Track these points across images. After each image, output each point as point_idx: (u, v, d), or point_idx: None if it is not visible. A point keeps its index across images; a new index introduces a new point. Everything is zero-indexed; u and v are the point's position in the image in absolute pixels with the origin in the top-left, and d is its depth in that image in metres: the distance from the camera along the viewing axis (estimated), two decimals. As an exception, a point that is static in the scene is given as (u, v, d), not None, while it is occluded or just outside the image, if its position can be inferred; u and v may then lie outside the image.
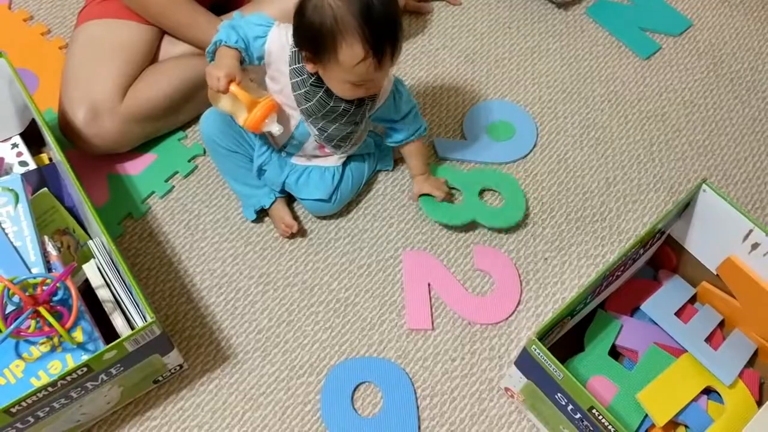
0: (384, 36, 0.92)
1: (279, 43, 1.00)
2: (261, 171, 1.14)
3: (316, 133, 1.07)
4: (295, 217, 1.18)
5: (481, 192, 1.21)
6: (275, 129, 1.01)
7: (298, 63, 1.00)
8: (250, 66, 1.02)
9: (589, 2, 1.52)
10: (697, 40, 1.47)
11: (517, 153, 1.28)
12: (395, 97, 1.08)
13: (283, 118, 1.05)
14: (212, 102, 1.03)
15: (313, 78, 1.00)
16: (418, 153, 1.17)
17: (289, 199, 1.19)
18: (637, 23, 1.48)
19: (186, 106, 1.23)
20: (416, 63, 1.39)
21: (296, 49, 0.99)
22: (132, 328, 0.94)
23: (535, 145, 1.29)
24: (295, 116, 1.06)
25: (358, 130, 1.10)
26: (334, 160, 1.14)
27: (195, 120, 1.26)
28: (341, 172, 1.15)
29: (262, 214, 1.18)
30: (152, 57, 1.22)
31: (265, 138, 1.11)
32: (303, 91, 1.01)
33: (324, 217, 1.19)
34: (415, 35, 1.43)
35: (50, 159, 1.17)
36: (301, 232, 1.17)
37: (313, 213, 1.18)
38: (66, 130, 1.16)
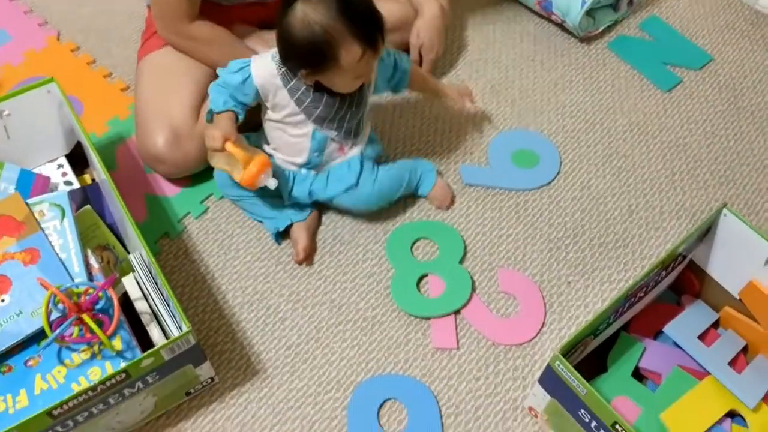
0: (372, 26, 0.99)
1: (265, 71, 1.06)
2: (291, 196, 1.19)
3: (335, 133, 1.11)
4: (314, 248, 1.21)
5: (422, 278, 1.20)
6: (271, 183, 1.07)
7: (292, 80, 1.05)
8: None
9: (611, 37, 1.56)
10: (718, 74, 1.51)
11: (541, 180, 1.32)
12: (380, 63, 1.12)
13: (277, 173, 1.11)
14: (210, 161, 1.11)
15: (312, 87, 1.06)
16: (423, 76, 1.25)
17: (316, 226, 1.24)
18: (658, 57, 1.52)
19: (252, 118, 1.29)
20: (443, 93, 1.44)
21: (284, 69, 1.05)
22: (167, 338, 0.97)
23: (558, 173, 1.32)
24: (308, 130, 1.11)
25: (366, 109, 1.15)
26: (354, 153, 1.17)
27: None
28: (360, 160, 1.17)
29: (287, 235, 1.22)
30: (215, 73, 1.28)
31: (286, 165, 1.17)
32: (308, 101, 1.07)
33: (362, 224, 1.24)
34: (443, 67, 1.49)
35: (93, 179, 1.22)
36: (316, 258, 1.21)
37: (356, 209, 1.22)
38: (148, 158, 1.22)
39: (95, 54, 1.48)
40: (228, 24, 1.26)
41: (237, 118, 1.07)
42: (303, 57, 1.01)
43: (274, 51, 1.06)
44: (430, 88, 1.28)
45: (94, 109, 1.37)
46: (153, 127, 1.20)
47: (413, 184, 1.25)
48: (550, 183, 1.31)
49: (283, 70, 1.05)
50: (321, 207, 1.25)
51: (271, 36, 1.32)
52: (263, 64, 1.06)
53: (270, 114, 1.11)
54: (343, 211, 1.26)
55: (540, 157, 1.34)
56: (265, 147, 1.16)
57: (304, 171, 1.16)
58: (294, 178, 1.17)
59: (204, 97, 1.23)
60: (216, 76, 1.26)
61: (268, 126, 1.14)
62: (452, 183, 1.31)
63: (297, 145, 1.13)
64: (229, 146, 1.04)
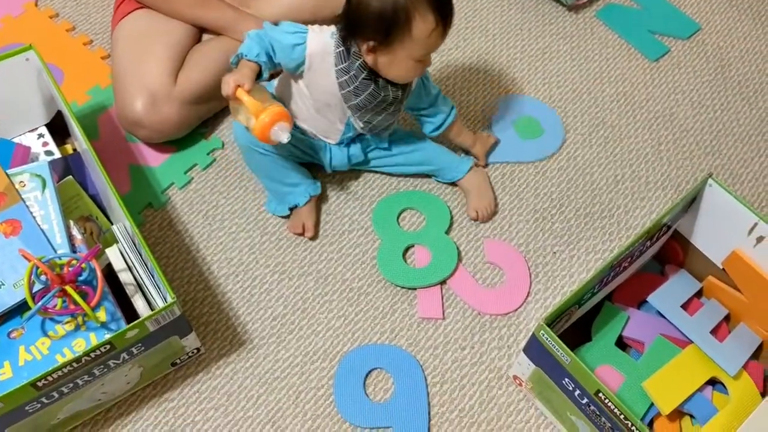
0: (448, 1, 0.98)
1: (320, 45, 1.03)
2: (332, 165, 1.19)
3: (362, 125, 1.11)
4: (318, 222, 1.21)
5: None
6: (284, 138, 1.01)
7: (345, 61, 1.02)
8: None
9: (599, 5, 1.55)
10: (705, 44, 1.50)
11: (547, 151, 1.32)
12: (423, 81, 1.12)
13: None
14: (233, 116, 1.05)
15: (365, 73, 1.03)
16: (462, 128, 1.24)
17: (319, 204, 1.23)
18: (646, 26, 1.51)
19: None
20: (429, 62, 1.42)
21: (342, 48, 1.01)
22: (152, 310, 0.97)
23: (564, 142, 1.33)
24: (344, 116, 1.10)
25: (397, 118, 1.14)
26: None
27: (215, 114, 1.30)
28: None
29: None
30: (196, 36, 1.26)
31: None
32: (352, 87, 1.04)
33: (348, 194, 1.25)
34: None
35: (74, 149, 1.21)
36: (317, 232, 1.20)
37: (393, 171, 1.25)
38: (127, 123, 1.20)
39: (75, 21, 1.45)
40: None
41: (261, 73, 1.03)
42: (374, 25, 0.97)
43: (334, 29, 1.03)
44: (463, 140, 1.25)
45: (74, 78, 1.35)
46: (131, 91, 1.18)
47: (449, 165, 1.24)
48: (556, 153, 1.32)
49: (340, 49, 1.02)
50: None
51: (253, 0, 1.29)
52: (321, 38, 1.03)
53: (302, 91, 1.08)
54: (329, 181, 1.25)
55: (543, 127, 1.34)
56: (297, 121, 1.14)
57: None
58: (331, 150, 1.17)
59: (182, 58, 1.22)
60: (194, 35, 1.23)
61: (299, 106, 1.11)
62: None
63: (330, 127, 1.13)
64: (240, 93, 0.98)
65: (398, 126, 1.24)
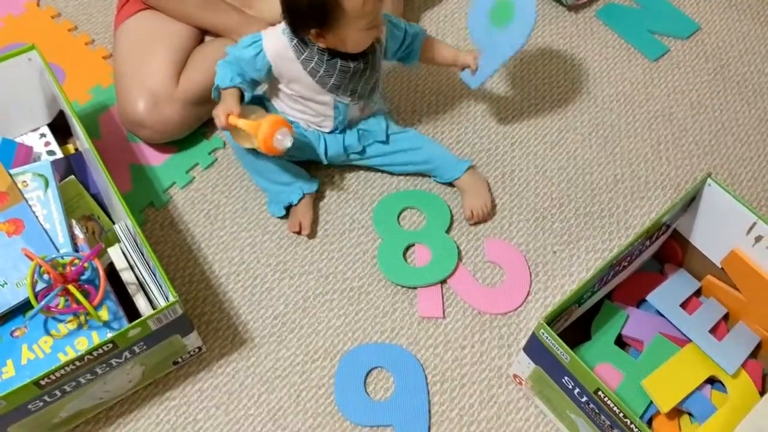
0: None
1: (277, 45, 1.05)
2: (328, 156, 1.19)
3: (349, 99, 1.11)
4: (316, 219, 1.21)
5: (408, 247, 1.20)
6: (288, 142, 1.04)
7: (304, 51, 1.05)
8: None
9: (598, 5, 1.55)
10: (705, 43, 1.50)
11: (522, 34, 1.14)
12: (390, 21, 1.12)
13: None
14: (236, 141, 1.09)
15: (326, 54, 1.05)
16: (440, 45, 1.19)
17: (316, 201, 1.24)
18: (645, 26, 1.52)
19: None
20: (430, 62, 1.43)
21: (295, 40, 1.04)
22: (154, 308, 0.97)
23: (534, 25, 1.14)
24: (329, 100, 1.11)
25: (380, 74, 1.15)
26: (375, 109, 1.20)
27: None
28: (384, 117, 1.21)
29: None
30: (198, 38, 1.27)
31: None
32: (322, 71, 1.06)
33: (349, 193, 1.25)
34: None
35: (76, 149, 1.21)
36: (314, 230, 1.21)
37: (387, 166, 1.25)
38: (129, 123, 1.21)
39: (76, 20, 1.45)
40: None
41: (243, 96, 1.06)
42: (308, 14, 0.99)
43: (284, 24, 1.05)
44: (443, 57, 1.19)
45: (76, 77, 1.35)
46: (132, 91, 1.18)
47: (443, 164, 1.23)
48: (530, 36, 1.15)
49: (294, 41, 1.04)
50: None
51: (255, 0, 1.31)
52: (274, 38, 1.05)
53: (284, 89, 1.11)
54: (330, 180, 1.26)
55: (514, 5, 1.15)
56: (287, 117, 1.15)
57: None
58: (325, 139, 1.17)
59: (184, 60, 1.22)
60: (196, 37, 1.25)
61: (286, 102, 1.14)
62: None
63: (321, 114, 1.14)
64: (233, 120, 1.03)
65: (396, 123, 1.25)
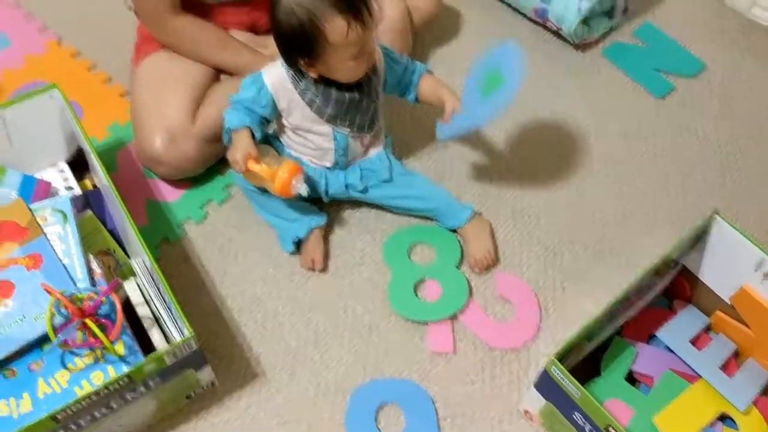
0: None
1: (276, 77, 1.08)
2: (329, 194, 1.21)
3: (348, 130, 1.13)
4: (327, 253, 1.23)
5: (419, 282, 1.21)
6: (303, 190, 1.08)
7: (301, 81, 1.07)
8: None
9: (605, 44, 1.58)
10: (710, 82, 1.53)
11: (494, 111, 1.12)
12: (389, 56, 1.14)
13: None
14: (250, 181, 1.13)
15: (321, 84, 1.07)
16: (439, 83, 1.18)
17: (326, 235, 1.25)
18: (651, 64, 1.54)
19: None
20: (439, 100, 1.46)
21: (292, 70, 1.07)
22: (169, 343, 0.98)
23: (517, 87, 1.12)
24: (328, 131, 1.13)
25: (378, 105, 1.16)
26: (378, 148, 1.21)
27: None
28: (386, 155, 1.21)
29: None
30: (215, 76, 1.29)
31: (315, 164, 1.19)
32: (318, 100, 1.08)
33: (360, 227, 1.26)
34: (439, 74, 1.49)
35: (93, 185, 1.24)
36: (326, 264, 1.22)
37: (390, 205, 1.25)
38: (145, 160, 1.24)
39: (95, 58, 1.49)
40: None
41: (254, 135, 1.08)
42: (295, 45, 1.02)
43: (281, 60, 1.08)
44: (436, 96, 1.18)
45: (94, 114, 1.39)
46: (150, 128, 1.21)
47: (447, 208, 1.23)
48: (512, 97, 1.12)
49: (291, 72, 1.07)
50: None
51: (267, 39, 1.34)
52: (274, 71, 1.08)
53: (286, 122, 1.13)
54: (340, 214, 1.28)
55: (503, 73, 1.13)
56: (292, 152, 1.18)
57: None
58: (326, 177, 1.19)
59: (200, 97, 1.25)
60: (212, 75, 1.26)
61: (289, 136, 1.16)
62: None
63: (321, 147, 1.15)
64: (251, 165, 1.05)
65: (401, 162, 1.26)
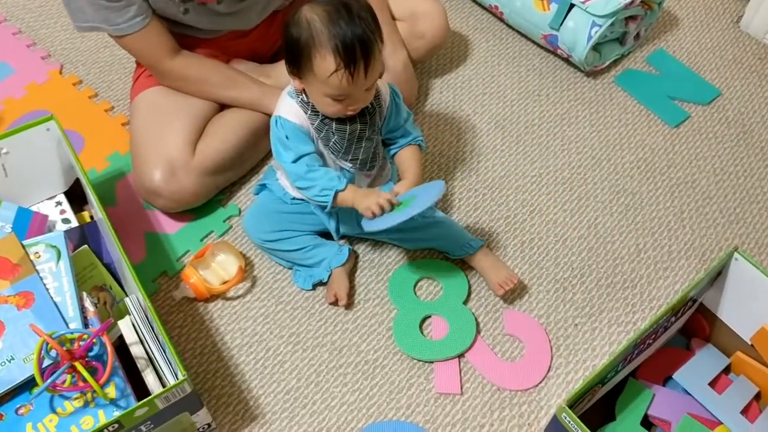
0: (355, 51, 0.96)
1: (291, 108, 1.06)
2: (338, 233, 1.18)
3: (350, 165, 1.10)
4: (353, 287, 1.19)
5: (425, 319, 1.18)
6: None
7: (308, 106, 1.05)
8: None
9: (617, 71, 1.55)
10: (726, 109, 1.49)
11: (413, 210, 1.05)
12: (395, 100, 1.12)
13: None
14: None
15: (319, 113, 1.05)
16: (418, 158, 1.15)
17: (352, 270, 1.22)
18: (665, 92, 1.51)
19: (251, 154, 1.29)
20: (447, 128, 1.42)
21: (300, 97, 1.05)
22: (163, 385, 0.95)
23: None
24: (335, 164, 1.11)
25: (380, 140, 1.14)
26: (385, 186, 1.18)
27: (232, 183, 1.30)
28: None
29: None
30: (215, 108, 1.27)
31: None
32: (324, 130, 1.06)
33: (364, 262, 1.23)
34: (446, 101, 1.47)
35: (91, 217, 1.21)
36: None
37: (399, 242, 1.23)
38: (145, 193, 1.21)
39: (97, 88, 1.47)
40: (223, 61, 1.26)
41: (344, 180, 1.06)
42: (289, 51, 1.00)
43: (289, 87, 1.06)
44: (402, 174, 1.16)
45: (94, 144, 1.36)
46: (149, 161, 1.18)
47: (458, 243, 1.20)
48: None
49: (299, 98, 1.05)
50: (322, 245, 1.23)
51: (269, 69, 1.32)
52: (286, 102, 1.06)
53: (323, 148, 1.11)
54: (345, 250, 1.24)
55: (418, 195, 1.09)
56: None
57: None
58: (337, 215, 1.16)
59: (200, 130, 1.23)
60: (212, 107, 1.25)
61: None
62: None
63: None
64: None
65: None
